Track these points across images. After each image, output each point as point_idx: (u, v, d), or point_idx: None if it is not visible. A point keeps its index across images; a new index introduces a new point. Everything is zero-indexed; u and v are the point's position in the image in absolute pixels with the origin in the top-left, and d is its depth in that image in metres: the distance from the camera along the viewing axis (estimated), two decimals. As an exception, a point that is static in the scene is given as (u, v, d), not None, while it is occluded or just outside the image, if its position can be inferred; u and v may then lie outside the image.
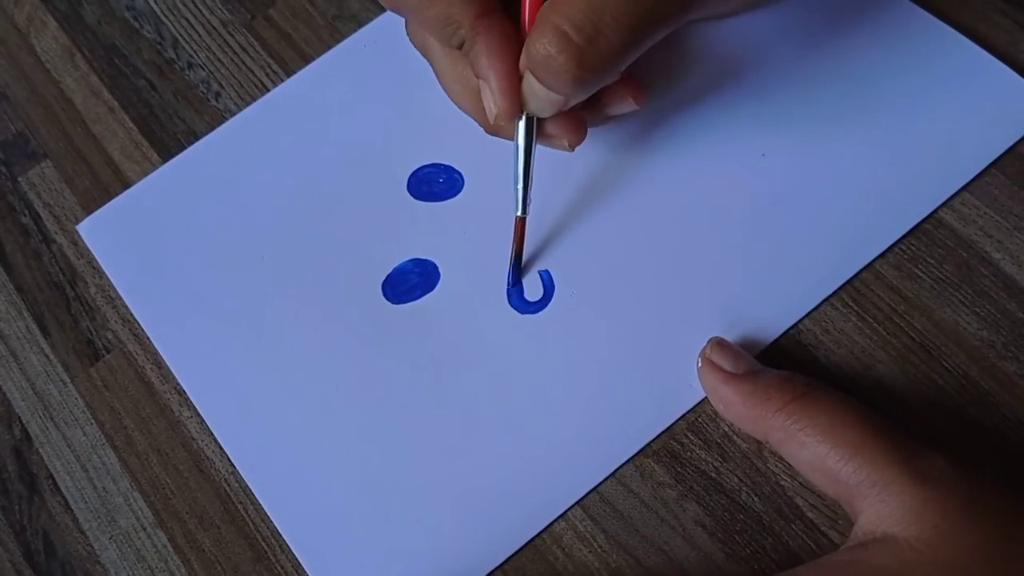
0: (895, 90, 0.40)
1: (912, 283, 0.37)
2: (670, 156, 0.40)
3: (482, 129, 0.37)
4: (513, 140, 0.36)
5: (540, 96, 0.33)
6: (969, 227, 0.38)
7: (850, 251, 0.38)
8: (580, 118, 0.36)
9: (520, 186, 0.37)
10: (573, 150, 0.37)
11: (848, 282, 0.37)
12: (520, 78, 0.34)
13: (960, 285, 0.37)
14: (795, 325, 0.37)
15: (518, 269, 0.39)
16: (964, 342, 0.36)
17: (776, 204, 0.39)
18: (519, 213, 0.37)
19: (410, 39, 0.38)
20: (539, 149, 0.36)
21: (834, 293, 0.37)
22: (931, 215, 0.38)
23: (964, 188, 0.38)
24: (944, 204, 0.38)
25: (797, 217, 0.38)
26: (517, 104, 0.34)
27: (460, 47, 0.34)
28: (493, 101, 0.34)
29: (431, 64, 0.38)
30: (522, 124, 0.35)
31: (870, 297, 0.37)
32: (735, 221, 0.39)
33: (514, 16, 0.34)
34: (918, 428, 0.34)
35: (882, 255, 0.37)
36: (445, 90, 0.38)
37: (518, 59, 0.33)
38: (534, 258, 0.39)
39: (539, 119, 0.35)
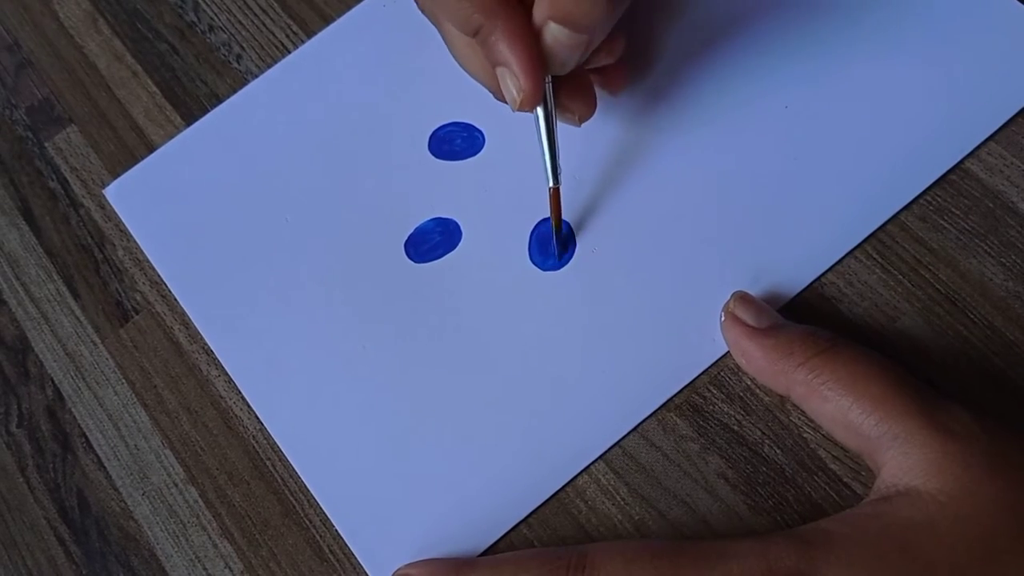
0: (920, 38, 0.39)
1: (937, 234, 0.37)
2: (692, 109, 0.40)
3: (496, 97, 0.36)
4: (532, 111, 0.35)
5: (564, 42, 0.32)
6: (995, 177, 0.37)
7: (875, 203, 0.37)
8: (592, 89, 0.36)
9: (547, 156, 0.36)
10: (580, 125, 0.37)
11: (872, 234, 0.37)
12: (541, 65, 0.33)
13: (986, 236, 0.36)
14: (818, 278, 0.37)
15: (559, 242, 0.38)
16: (990, 293, 0.35)
17: (800, 156, 0.38)
18: (552, 184, 0.36)
19: (418, 5, 0.38)
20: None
21: (858, 245, 0.37)
22: (957, 165, 0.37)
23: (991, 137, 0.37)
24: (970, 154, 0.37)
25: (821, 169, 0.38)
26: (541, 85, 0.33)
27: (475, 34, 0.33)
28: (516, 87, 0.33)
29: (441, 31, 0.37)
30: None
31: (895, 249, 0.37)
32: (758, 174, 0.38)
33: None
34: (943, 380, 0.34)
35: (907, 206, 0.37)
36: (457, 57, 0.37)
37: (536, 45, 0.32)
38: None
39: (554, 89, 0.35)
